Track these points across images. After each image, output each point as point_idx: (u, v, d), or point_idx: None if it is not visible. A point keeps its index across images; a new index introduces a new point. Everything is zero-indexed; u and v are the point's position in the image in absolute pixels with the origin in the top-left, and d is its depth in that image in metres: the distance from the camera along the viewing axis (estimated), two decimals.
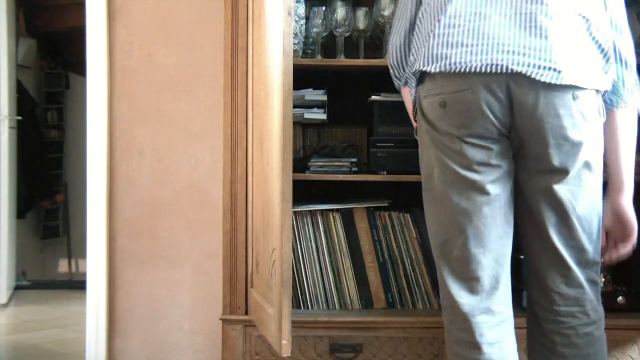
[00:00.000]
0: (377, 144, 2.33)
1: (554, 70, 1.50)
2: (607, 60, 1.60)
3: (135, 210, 2.76)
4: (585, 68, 1.55)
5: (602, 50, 1.58)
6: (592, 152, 1.57)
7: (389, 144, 2.33)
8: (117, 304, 2.77)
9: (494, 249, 1.60)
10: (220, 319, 2.29)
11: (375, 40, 2.53)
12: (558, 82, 1.50)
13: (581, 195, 1.58)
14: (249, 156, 2.25)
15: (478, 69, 1.53)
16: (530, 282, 1.70)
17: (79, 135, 4.82)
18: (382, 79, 2.53)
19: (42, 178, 5.59)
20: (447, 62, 1.56)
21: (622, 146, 1.66)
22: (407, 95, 1.83)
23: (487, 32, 1.54)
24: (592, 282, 1.64)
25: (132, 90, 2.76)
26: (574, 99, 1.53)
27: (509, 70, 1.51)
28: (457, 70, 1.55)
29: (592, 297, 1.64)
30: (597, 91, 1.58)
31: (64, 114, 5.98)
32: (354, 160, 2.38)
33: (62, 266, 5.73)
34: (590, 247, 1.62)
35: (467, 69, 1.54)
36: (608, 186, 1.69)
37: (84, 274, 2.87)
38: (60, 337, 3.67)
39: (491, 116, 1.54)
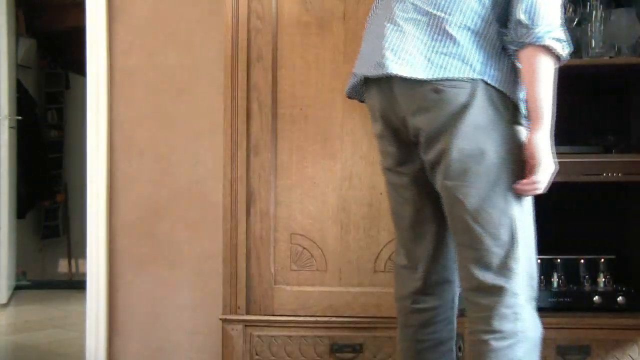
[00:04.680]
0: None
1: None
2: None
3: (135, 210, 2.76)
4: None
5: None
6: None
7: None
8: (117, 304, 2.77)
9: None
10: (220, 319, 2.28)
11: None
12: None
13: None
14: (250, 156, 2.24)
15: None
16: None
17: (79, 135, 4.82)
18: None
19: (42, 178, 5.58)
20: None
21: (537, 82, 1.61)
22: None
23: None
24: None
25: (131, 90, 2.76)
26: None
27: None
28: None
29: None
30: None
31: (64, 114, 5.96)
32: None
33: (62, 266, 5.72)
34: None
35: None
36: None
37: (84, 274, 2.87)
38: (60, 337, 3.67)
39: None
